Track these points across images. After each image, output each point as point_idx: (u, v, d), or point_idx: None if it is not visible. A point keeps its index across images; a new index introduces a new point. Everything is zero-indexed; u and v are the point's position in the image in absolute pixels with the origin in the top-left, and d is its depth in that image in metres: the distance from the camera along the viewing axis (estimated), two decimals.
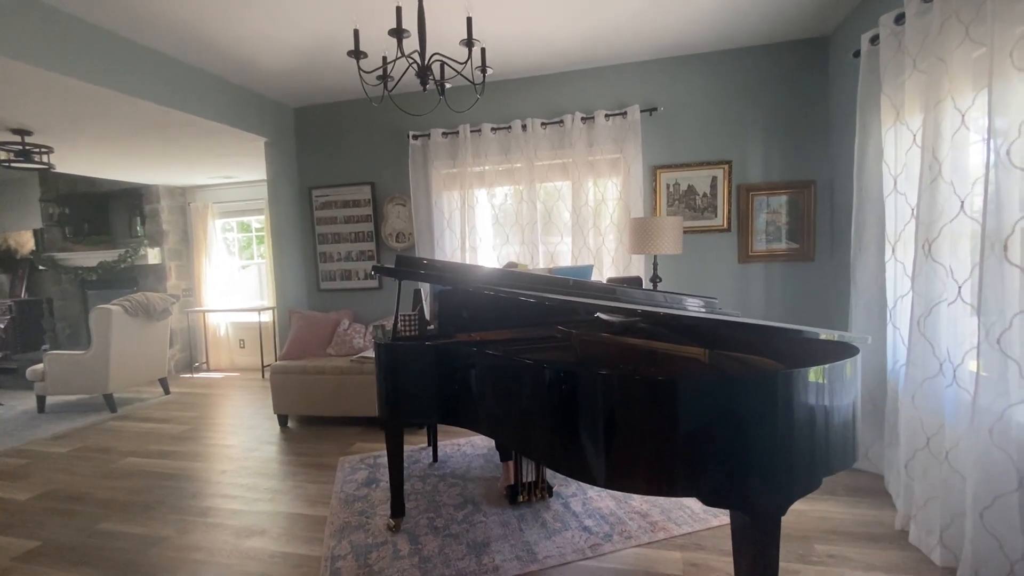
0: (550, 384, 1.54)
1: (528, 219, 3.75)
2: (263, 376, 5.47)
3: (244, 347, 5.90)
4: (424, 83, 1.99)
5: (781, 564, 1.86)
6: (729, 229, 3.56)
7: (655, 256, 3.34)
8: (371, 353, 3.74)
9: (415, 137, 3.94)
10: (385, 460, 3.07)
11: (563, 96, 3.74)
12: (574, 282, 1.96)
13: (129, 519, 2.52)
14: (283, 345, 4.19)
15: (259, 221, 5.96)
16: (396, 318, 2.08)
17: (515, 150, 3.76)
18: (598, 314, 2.57)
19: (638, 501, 2.50)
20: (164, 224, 5.83)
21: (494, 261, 3.92)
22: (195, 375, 5.73)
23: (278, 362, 3.86)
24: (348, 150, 4.23)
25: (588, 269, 2.72)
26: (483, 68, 2.05)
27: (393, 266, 1.96)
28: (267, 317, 5.64)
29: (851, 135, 3.10)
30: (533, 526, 2.31)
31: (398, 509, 2.32)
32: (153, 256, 5.75)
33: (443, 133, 3.89)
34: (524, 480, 2.50)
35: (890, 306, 2.46)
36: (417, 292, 2.33)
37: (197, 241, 5.93)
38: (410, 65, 1.92)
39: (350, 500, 2.62)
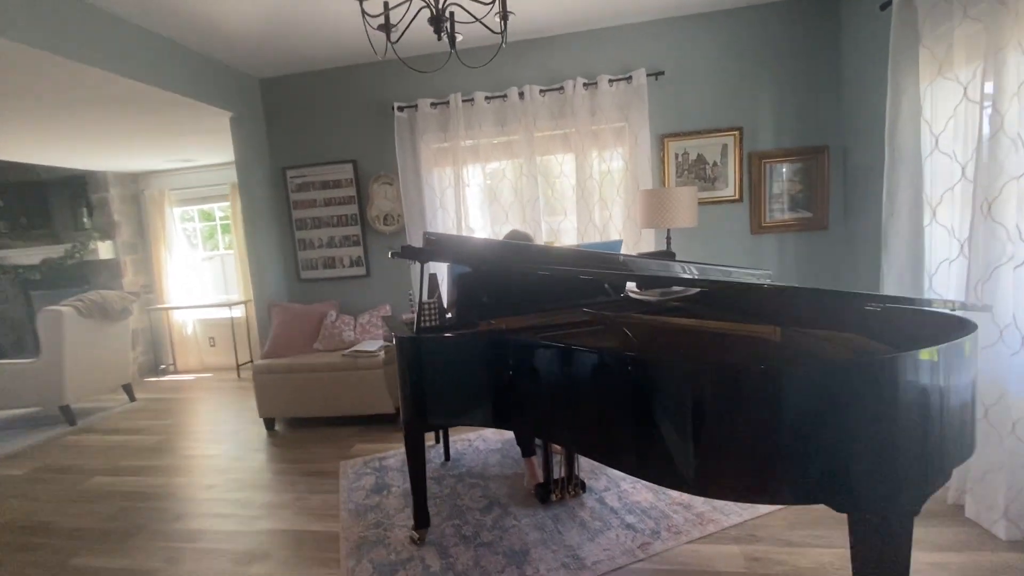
0: (630, 376, 1.32)
1: (528, 195, 3.50)
2: (239, 375, 5.07)
3: (215, 345, 5.46)
4: (439, 31, 1.70)
5: (833, 546, 1.72)
6: (741, 199, 3.40)
7: (668, 230, 3.16)
8: (366, 346, 3.44)
9: (400, 109, 3.60)
10: (393, 462, 2.83)
11: (563, 60, 3.46)
12: (624, 257, 1.73)
13: (106, 551, 2.20)
14: (263, 342, 3.84)
15: (223, 209, 5.47)
16: (419, 307, 1.81)
17: (512, 120, 3.48)
18: (630, 292, 2.37)
19: (677, 492, 2.34)
20: (115, 215, 5.27)
21: None
22: (162, 378, 5.28)
23: (261, 361, 3.52)
24: (325, 125, 3.84)
25: (617, 244, 2.50)
26: (503, 13, 1.76)
27: (422, 246, 1.68)
28: (239, 312, 5.21)
29: (867, 96, 2.98)
30: (571, 527, 2.12)
31: (422, 519, 2.08)
32: (105, 250, 5.21)
33: (432, 103, 3.57)
34: (554, 476, 2.30)
35: (930, 272, 2.35)
36: (433, 277, 2.07)
37: (154, 233, 5.40)
38: (423, 7, 1.62)
39: (361, 511, 2.36)
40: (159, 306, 5.31)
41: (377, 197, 3.81)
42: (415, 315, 1.81)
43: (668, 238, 3.16)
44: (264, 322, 3.87)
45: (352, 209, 3.86)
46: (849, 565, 1.81)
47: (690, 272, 1.80)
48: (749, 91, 3.31)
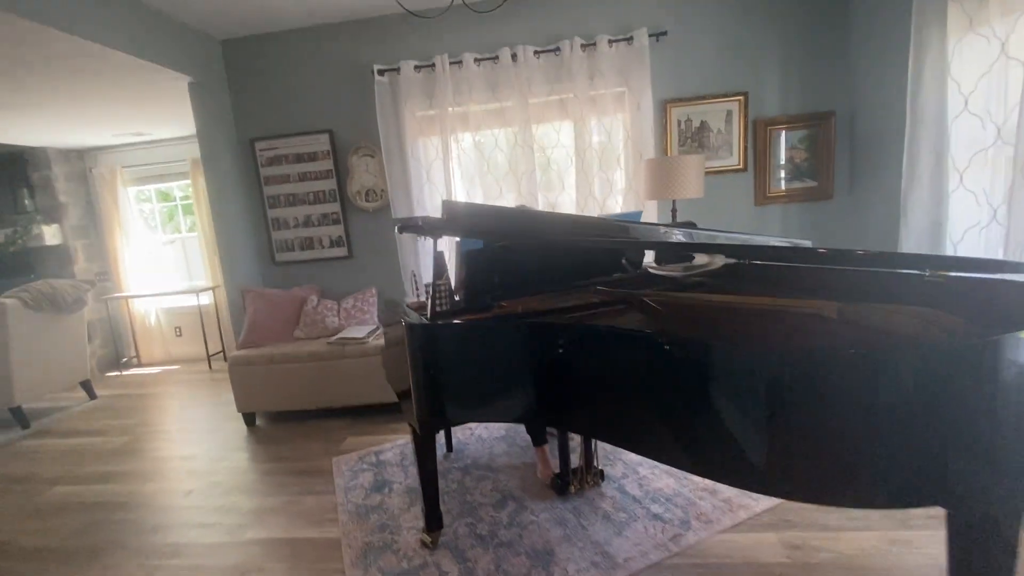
0: (694, 364, 1.15)
1: (524, 167, 3.27)
2: (210, 366, 4.74)
3: (181, 335, 5.09)
4: None
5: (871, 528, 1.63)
6: (745, 169, 3.26)
7: (673, 202, 2.99)
8: (353, 332, 3.20)
9: (381, 72, 3.29)
10: (390, 456, 2.63)
11: (559, 19, 3.21)
12: (664, 228, 1.55)
13: (73, 573, 1.94)
14: (237, 331, 3.54)
15: (183, 188, 5.04)
16: (432, 290, 1.59)
17: (504, 85, 3.22)
18: (649, 268, 2.20)
19: (700, 477, 2.23)
20: (60, 195, 4.78)
21: None
22: (125, 373, 4.89)
23: (238, 352, 3.23)
24: (296, 92, 3.49)
25: (637, 215, 2.32)
26: None
27: (442, 216, 1.45)
28: (207, 299, 4.84)
29: (878, 59, 2.85)
30: (595, 520, 1.98)
31: (434, 521, 1.90)
32: (51, 235, 4.73)
33: (415, 67, 3.27)
34: (570, 466, 2.15)
35: (954, 240, 2.26)
36: (440, 256, 1.84)
37: (107, 215, 4.94)
38: None
39: (363, 512, 2.17)
40: (117, 295, 4.89)
41: (357, 171, 3.51)
42: (428, 298, 1.59)
43: (674, 210, 3.00)
44: (237, 309, 3.57)
45: (330, 184, 3.56)
46: (890, 548, 1.75)
47: (730, 242, 1.63)
48: (754, 53, 3.14)
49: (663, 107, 3.22)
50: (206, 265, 4.90)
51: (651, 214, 3.26)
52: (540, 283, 2.02)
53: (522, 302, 1.87)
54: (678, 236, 1.81)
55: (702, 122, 3.24)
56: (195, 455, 2.91)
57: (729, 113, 3.21)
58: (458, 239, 1.79)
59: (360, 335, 3.16)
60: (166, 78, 3.13)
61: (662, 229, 1.75)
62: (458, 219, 1.43)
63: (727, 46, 3.15)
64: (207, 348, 4.76)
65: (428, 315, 1.52)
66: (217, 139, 3.45)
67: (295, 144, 3.53)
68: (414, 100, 3.32)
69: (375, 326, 3.37)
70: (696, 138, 3.26)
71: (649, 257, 2.41)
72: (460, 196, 3.36)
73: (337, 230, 3.62)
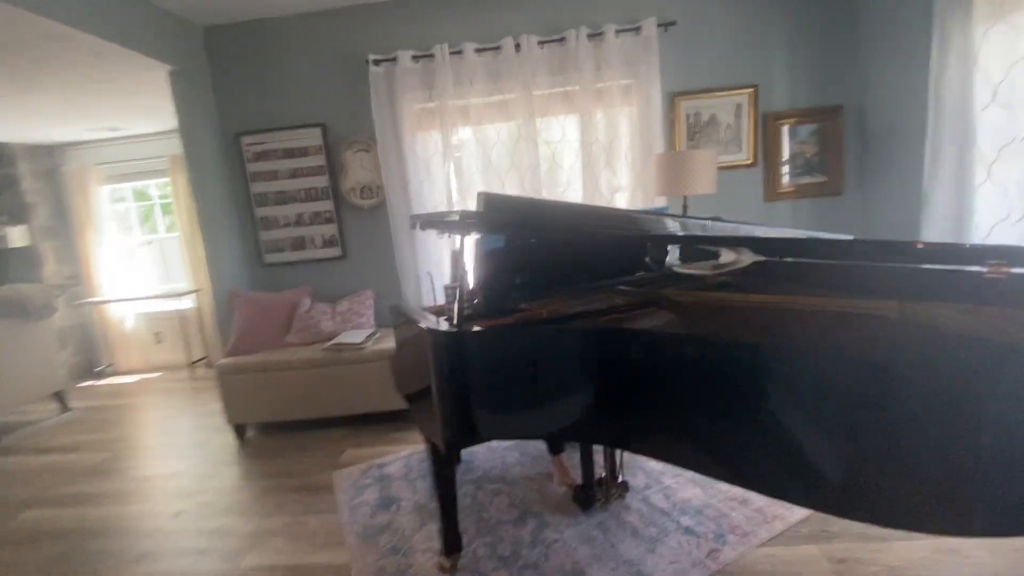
0: (773, 373, 1.03)
1: (528, 162, 3.13)
2: (193, 374, 4.49)
3: (162, 341, 4.82)
4: None
5: (914, 536, 1.53)
6: (755, 164, 3.18)
7: (685, 198, 2.89)
8: (350, 337, 3.02)
9: (376, 63, 3.11)
10: (395, 469, 2.48)
11: (564, 7, 3.08)
12: (702, 222, 1.43)
13: None
14: (223, 337, 3.33)
15: (161, 186, 4.77)
16: (459, 293, 1.43)
17: (507, 76, 3.08)
18: (673, 267, 2.08)
19: (728, 485, 2.13)
20: (27, 195, 4.48)
21: None
22: (100, 382, 4.61)
23: (226, 359, 3.03)
24: (286, 83, 3.30)
25: (664, 209, 2.21)
26: None
27: (481, 209, 1.28)
28: (189, 303, 4.60)
29: (888, 53, 2.79)
30: (623, 536, 1.85)
31: (453, 544, 1.75)
32: (18, 237, 4.43)
33: (413, 56, 3.11)
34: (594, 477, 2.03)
35: (982, 235, 2.20)
36: (455, 256, 1.69)
37: (78, 215, 4.65)
38: None
39: (371, 533, 2.01)
40: (90, 300, 4.60)
41: (352, 166, 3.33)
42: (454, 302, 1.43)
43: (685, 206, 2.90)
44: (224, 314, 3.36)
45: (322, 181, 3.37)
46: (938, 558, 1.67)
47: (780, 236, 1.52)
48: (764, 44, 3.06)
49: (671, 100, 3.12)
50: (186, 267, 4.65)
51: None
52: (561, 284, 1.89)
53: (545, 305, 1.74)
54: (724, 231, 1.69)
55: (711, 116, 3.15)
56: (181, 472, 2.70)
57: (739, 106, 3.12)
58: (477, 236, 1.64)
59: (357, 340, 2.99)
60: (143, 67, 2.91)
61: (703, 223, 1.63)
62: (500, 211, 1.27)
63: (737, 37, 3.06)
64: (189, 354, 4.51)
65: (455, 320, 1.37)
66: (200, 133, 3.23)
67: (285, 138, 3.33)
68: (412, 92, 3.15)
69: (373, 330, 3.20)
70: (705, 132, 3.17)
71: (666, 256, 2.29)
72: (462, 193, 3.21)
73: (330, 229, 3.43)
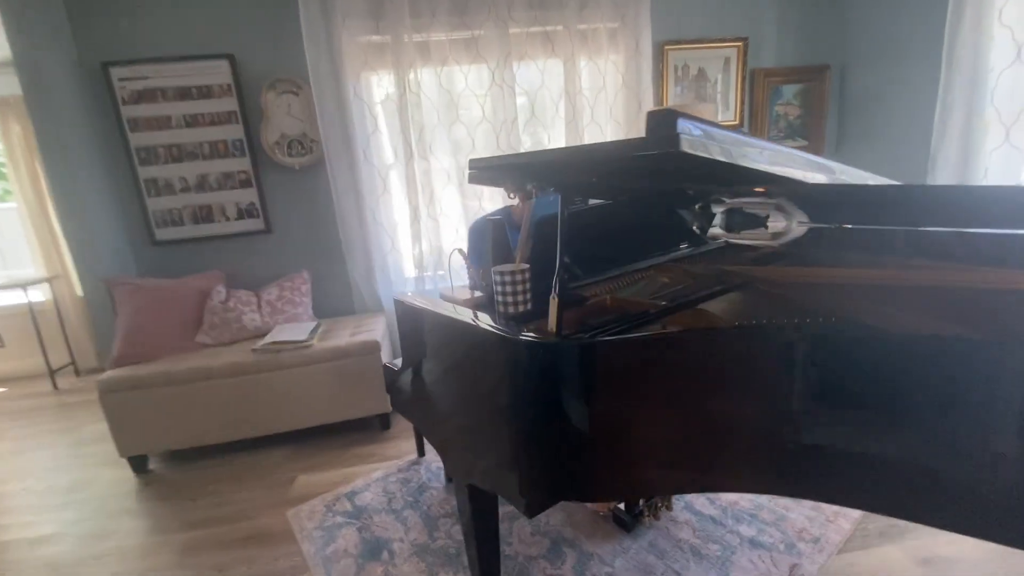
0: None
1: (504, 114, 2.64)
2: (54, 386, 3.47)
3: (5, 346, 3.67)
4: None
5: None
6: (741, 124, 2.97)
7: None
8: (288, 334, 2.38)
9: None
10: (370, 497, 2.00)
11: None
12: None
13: None
14: (101, 338, 2.50)
15: None
16: (556, 276, 0.94)
17: (476, 9, 2.54)
18: (723, 237, 1.77)
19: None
20: None
21: (455, 178, 2.74)
22: None
23: (113, 371, 2.25)
24: None
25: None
26: None
27: (652, 136, 0.75)
28: (40, 295, 3.52)
29: (875, 9, 2.68)
30: (686, 561, 1.55)
31: None
32: None
33: None
34: None
35: None
36: (498, 225, 1.19)
37: None
38: None
39: None
40: None
41: (275, 113, 2.60)
42: (513, 292, 0.95)
43: None
44: (99, 309, 2.52)
45: (234, 132, 2.60)
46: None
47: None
48: None
49: (660, 49, 2.78)
50: (33, 248, 3.54)
51: None
52: (607, 260, 1.49)
53: (600, 287, 1.33)
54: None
55: (700, 69, 2.87)
56: (56, 534, 1.94)
57: (727, 60, 2.87)
58: (532, 200, 1.17)
59: (300, 337, 2.36)
60: None
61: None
62: (694, 142, 0.77)
63: None
64: (48, 362, 3.46)
65: (553, 328, 0.90)
66: (46, 63, 2.31)
67: (177, 73, 2.50)
68: (356, 21, 2.48)
69: (315, 323, 2.58)
70: (693, 88, 2.88)
71: (711, 222, 1.98)
72: (423, 150, 2.64)
73: (247, 195, 2.68)
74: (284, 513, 1.93)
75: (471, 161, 1.04)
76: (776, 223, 1.80)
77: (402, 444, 2.36)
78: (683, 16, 2.77)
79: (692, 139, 0.77)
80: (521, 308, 1.05)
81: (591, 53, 2.69)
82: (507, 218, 2.09)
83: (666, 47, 2.78)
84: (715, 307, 1.17)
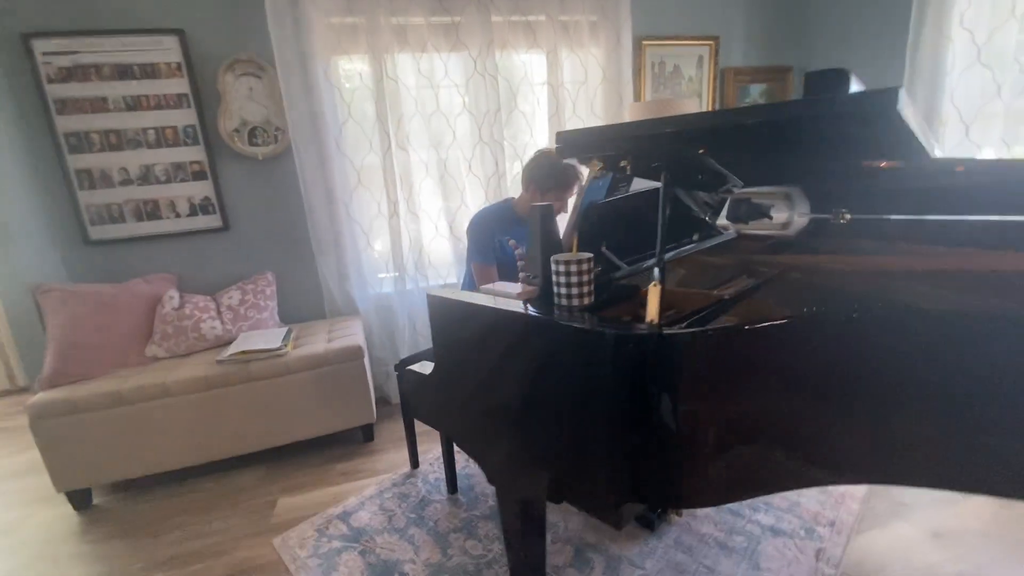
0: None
1: (486, 105, 2.53)
2: None
3: None
4: None
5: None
6: None
7: None
8: (256, 342, 2.15)
9: None
10: (366, 516, 1.86)
11: None
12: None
13: None
14: (29, 355, 2.15)
15: None
16: (659, 262, 0.85)
17: None
18: (732, 227, 1.77)
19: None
20: None
21: (435, 170, 2.60)
22: None
23: (44, 394, 1.92)
24: None
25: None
26: None
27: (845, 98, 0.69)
28: None
29: (835, 12, 2.83)
30: (715, 555, 1.53)
31: None
32: None
33: None
34: None
35: None
36: (547, 211, 1.08)
37: None
38: None
39: None
40: None
41: (234, 96, 2.34)
42: (574, 284, 0.86)
43: None
44: (24, 322, 2.15)
45: (185, 117, 2.31)
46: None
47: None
48: None
49: (639, 44, 2.78)
50: None
51: None
52: (632, 248, 1.44)
53: (639, 279, 1.27)
54: None
55: (675, 66, 2.90)
56: None
57: (701, 58, 2.92)
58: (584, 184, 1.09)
59: (272, 344, 2.14)
60: None
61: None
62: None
63: None
64: None
65: (652, 319, 0.81)
66: None
67: (114, 48, 2.18)
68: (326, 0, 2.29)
69: (286, 328, 2.35)
70: (669, 84, 2.91)
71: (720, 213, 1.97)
72: (401, 140, 2.47)
73: (202, 188, 2.40)
74: (270, 542, 1.72)
75: (559, 134, 0.94)
76: (780, 214, 1.83)
77: (391, 456, 2.20)
78: (660, 13, 2.79)
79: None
80: (586, 300, 0.96)
81: (573, 45, 2.64)
82: (509, 212, 1.99)
83: (644, 42, 2.78)
84: (771, 297, 1.14)
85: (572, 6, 2.58)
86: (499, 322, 1.06)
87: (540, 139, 2.70)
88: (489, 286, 1.16)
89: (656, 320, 0.81)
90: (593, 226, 1.15)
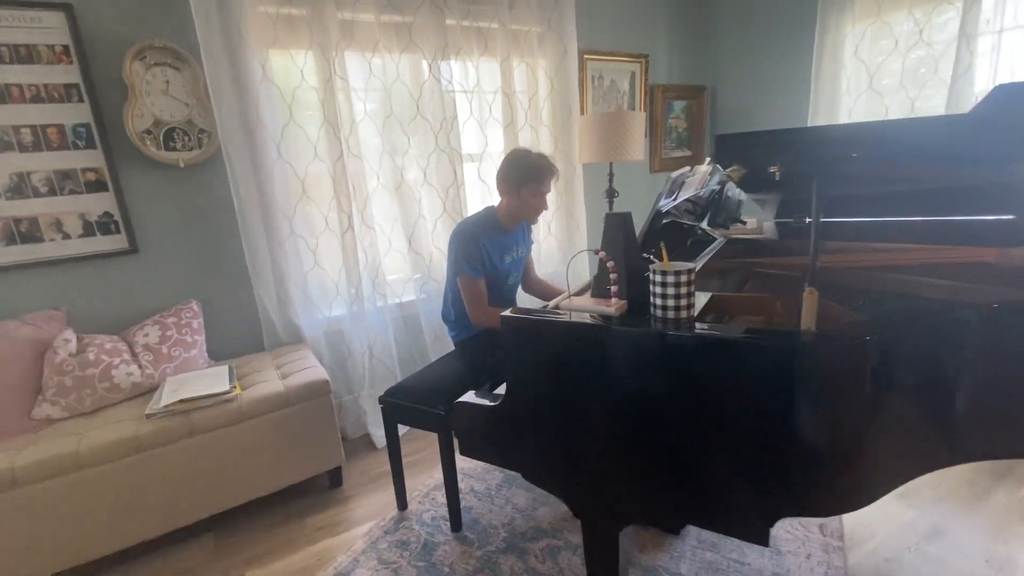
0: None
1: (444, 112, 2.40)
2: None
3: None
4: None
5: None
6: (646, 135, 3.23)
7: (611, 165, 2.71)
8: (200, 387, 1.78)
9: None
10: (367, 575, 1.58)
11: None
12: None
13: None
14: None
15: None
16: (812, 268, 0.81)
17: None
18: (706, 229, 1.87)
19: None
20: None
21: (389, 183, 2.39)
22: None
23: None
24: None
25: None
26: None
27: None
28: None
29: (742, 39, 3.18)
30: (735, 548, 1.59)
31: None
32: None
33: None
34: None
35: None
36: (626, 218, 0.98)
37: None
38: None
39: None
40: None
41: (146, 91, 1.92)
42: (679, 296, 0.83)
43: (611, 174, 2.73)
44: None
45: (75, 113, 1.84)
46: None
47: None
48: (652, 16, 3.10)
49: (581, 58, 2.85)
50: None
51: (578, 179, 2.89)
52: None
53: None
54: None
55: (612, 81, 3.03)
56: None
57: (633, 75, 3.09)
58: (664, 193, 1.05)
59: (219, 388, 1.78)
60: None
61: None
62: None
63: (635, 1, 3.00)
64: None
65: (805, 324, 0.79)
66: None
67: None
68: None
69: (226, 366, 1.98)
70: (607, 98, 3.03)
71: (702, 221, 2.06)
72: (348, 144, 2.23)
73: (99, 202, 1.93)
74: None
75: (719, 137, 0.88)
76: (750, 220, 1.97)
77: (368, 500, 1.96)
78: (599, 28, 2.89)
79: None
80: (686, 313, 0.93)
81: (523, 54, 2.63)
82: (491, 220, 1.90)
83: (585, 56, 2.87)
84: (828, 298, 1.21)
85: (522, 15, 2.56)
86: (637, 345, 0.93)
87: (495, 148, 2.64)
88: (567, 302, 1.07)
89: (813, 327, 0.81)
90: (657, 234, 1.13)
